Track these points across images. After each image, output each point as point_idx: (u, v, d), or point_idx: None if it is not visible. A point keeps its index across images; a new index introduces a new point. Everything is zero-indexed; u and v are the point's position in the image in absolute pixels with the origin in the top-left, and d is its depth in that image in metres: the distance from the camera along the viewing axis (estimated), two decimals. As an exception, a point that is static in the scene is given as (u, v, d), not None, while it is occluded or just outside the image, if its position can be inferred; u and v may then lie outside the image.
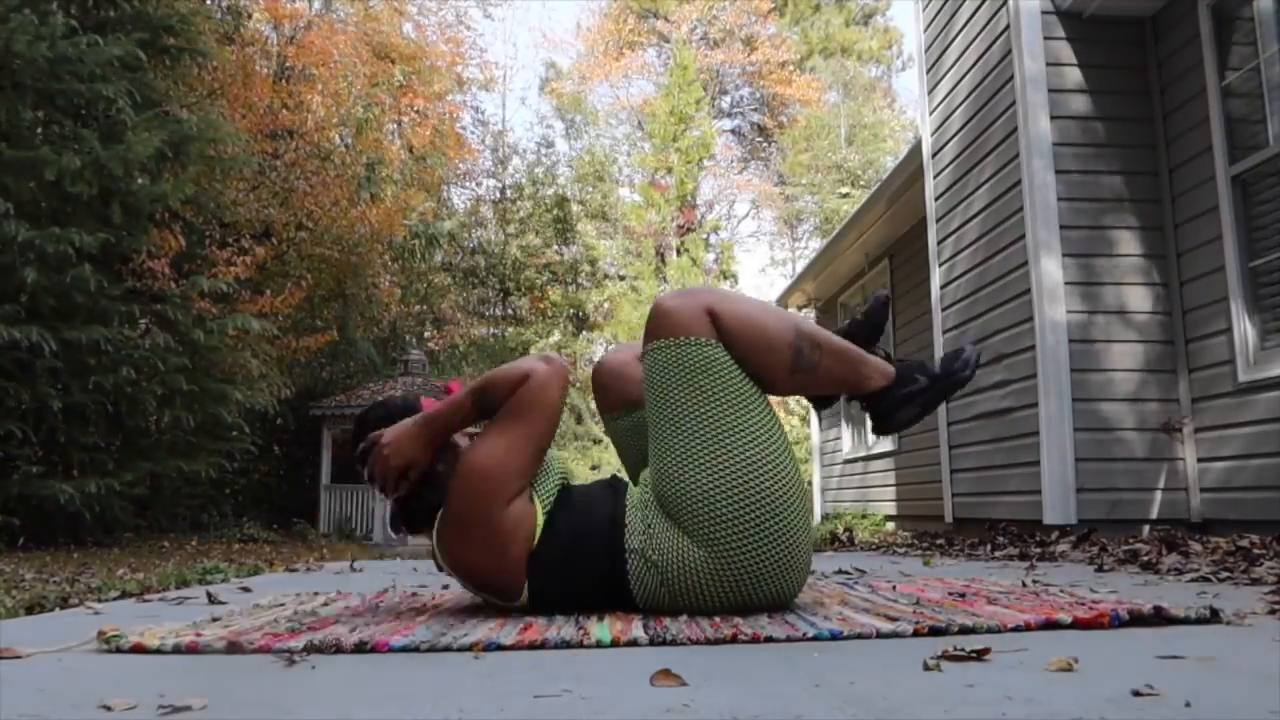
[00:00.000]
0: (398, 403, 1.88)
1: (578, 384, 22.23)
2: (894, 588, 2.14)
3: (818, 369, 1.74)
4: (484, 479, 1.69)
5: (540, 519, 1.73)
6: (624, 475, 2.04)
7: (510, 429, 1.72)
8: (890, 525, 8.52)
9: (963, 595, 1.91)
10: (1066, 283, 4.53)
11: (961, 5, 5.62)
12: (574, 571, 1.71)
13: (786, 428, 20.63)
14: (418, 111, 18.55)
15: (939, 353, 5.87)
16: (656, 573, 1.67)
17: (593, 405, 22.83)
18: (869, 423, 1.89)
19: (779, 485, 1.65)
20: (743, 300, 1.78)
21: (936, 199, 6.06)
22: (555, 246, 23.85)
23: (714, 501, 1.63)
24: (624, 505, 1.75)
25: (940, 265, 5.96)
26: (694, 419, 1.67)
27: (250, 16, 14.86)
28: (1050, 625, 1.48)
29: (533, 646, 1.41)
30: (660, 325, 1.73)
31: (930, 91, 6.17)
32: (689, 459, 1.66)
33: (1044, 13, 4.72)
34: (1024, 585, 2.13)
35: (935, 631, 1.44)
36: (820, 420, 11.67)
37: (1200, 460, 4.30)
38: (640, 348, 1.80)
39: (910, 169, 6.93)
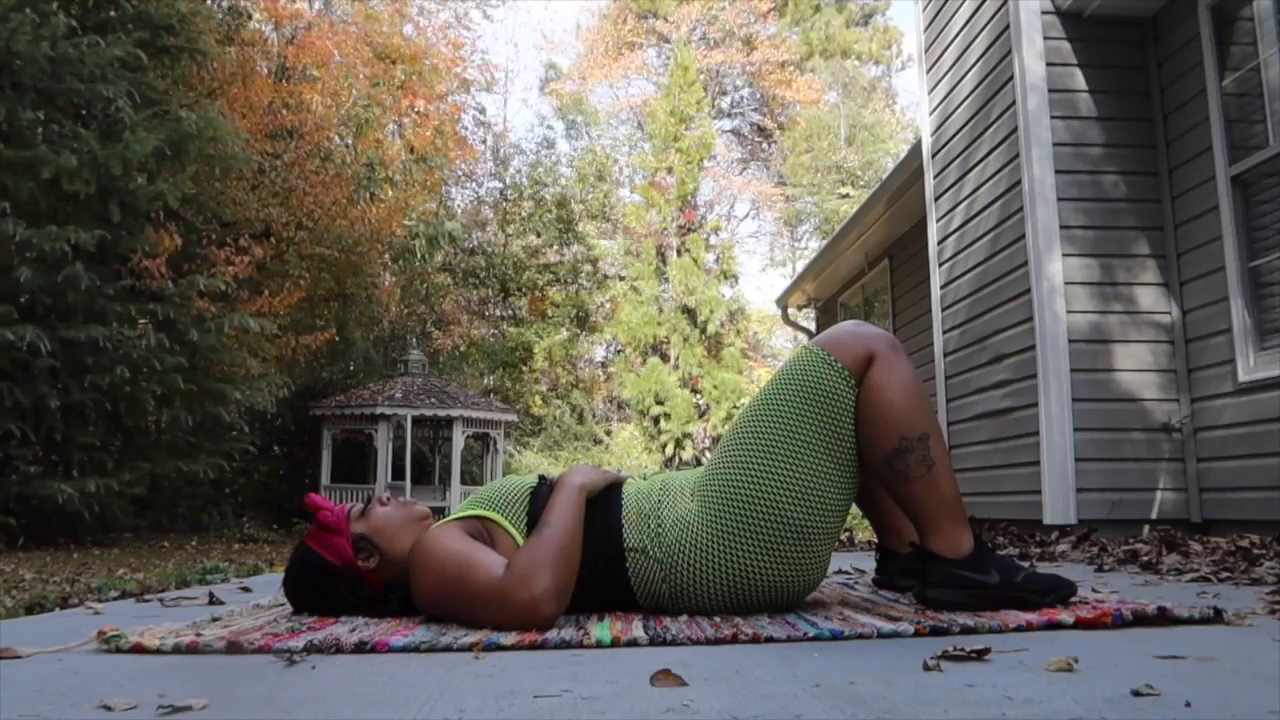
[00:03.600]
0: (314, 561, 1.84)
1: (583, 388, 22.22)
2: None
3: (908, 480, 1.67)
4: (442, 568, 1.67)
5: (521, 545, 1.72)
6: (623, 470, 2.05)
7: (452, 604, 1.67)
8: (890, 525, 8.50)
9: (963, 595, 1.90)
10: (1067, 283, 4.53)
11: (961, 5, 5.62)
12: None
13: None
14: (419, 112, 18.54)
15: (939, 347, 5.87)
16: (660, 569, 1.68)
17: (594, 405, 22.88)
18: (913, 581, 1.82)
19: (816, 522, 1.67)
20: (906, 373, 1.72)
21: (936, 199, 6.07)
22: (556, 247, 23.84)
23: (756, 500, 1.66)
24: (620, 505, 1.76)
25: (940, 265, 5.96)
26: (787, 422, 1.69)
27: (250, 17, 14.84)
28: (1052, 625, 1.48)
29: (533, 646, 1.41)
30: (829, 336, 1.76)
31: (930, 91, 6.17)
32: (763, 455, 1.68)
33: (1044, 13, 4.72)
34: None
35: (936, 631, 1.44)
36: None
37: (1200, 460, 4.30)
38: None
39: (910, 169, 6.93)
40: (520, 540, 1.71)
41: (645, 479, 1.89)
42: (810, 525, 1.66)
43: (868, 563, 3.44)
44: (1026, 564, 3.32)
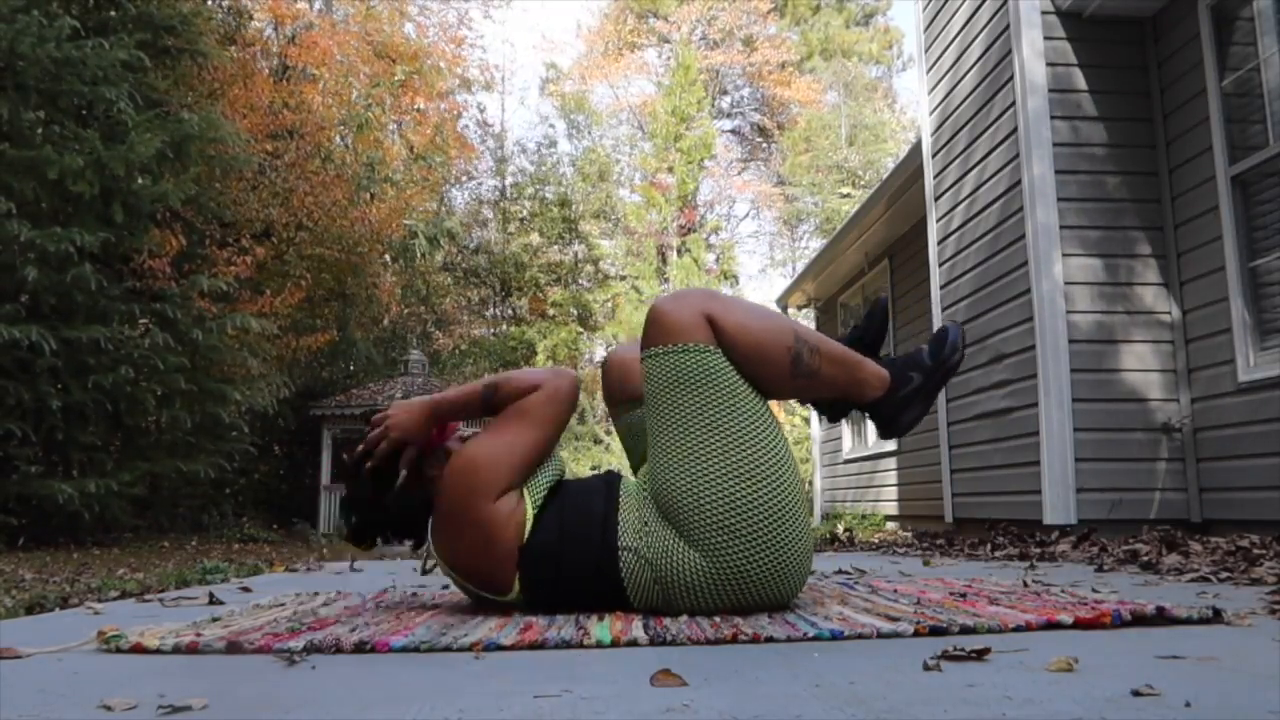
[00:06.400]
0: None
1: (583, 387, 22.19)
2: (895, 590, 2.14)
3: (817, 375, 1.73)
4: (473, 471, 1.72)
5: (530, 514, 1.73)
6: (626, 470, 2.04)
7: (510, 429, 1.76)
8: (890, 525, 8.52)
9: (963, 595, 1.91)
10: (1067, 283, 4.53)
11: (961, 5, 5.62)
12: (564, 565, 1.71)
13: (788, 427, 20.69)
14: (419, 111, 18.55)
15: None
16: (651, 570, 1.67)
17: (594, 405, 22.88)
18: (874, 428, 1.89)
19: (779, 493, 1.65)
20: (740, 304, 1.76)
21: (936, 199, 6.07)
22: (558, 246, 23.85)
23: (712, 508, 1.63)
24: (617, 501, 1.75)
25: (940, 265, 5.96)
26: (693, 426, 1.67)
27: (251, 17, 14.85)
28: (1051, 625, 1.48)
29: (533, 646, 1.41)
30: (658, 331, 1.72)
31: (930, 91, 6.17)
32: (688, 465, 1.65)
33: (1044, 13, 4.72)
34: (1025, 585, 2.13)
35: (935, 631, 1.44)
36: (822, 421, 11.68)
37: (1200, 460, 4.30)
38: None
39: (910, 169, 6.93)
40: (530, 510, 1.74)
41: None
42: (773, 496, 1.64)
43: (868, 562, 3.44)
44: (1021, 557, 3.33)
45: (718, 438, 1.65)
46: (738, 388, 1.68)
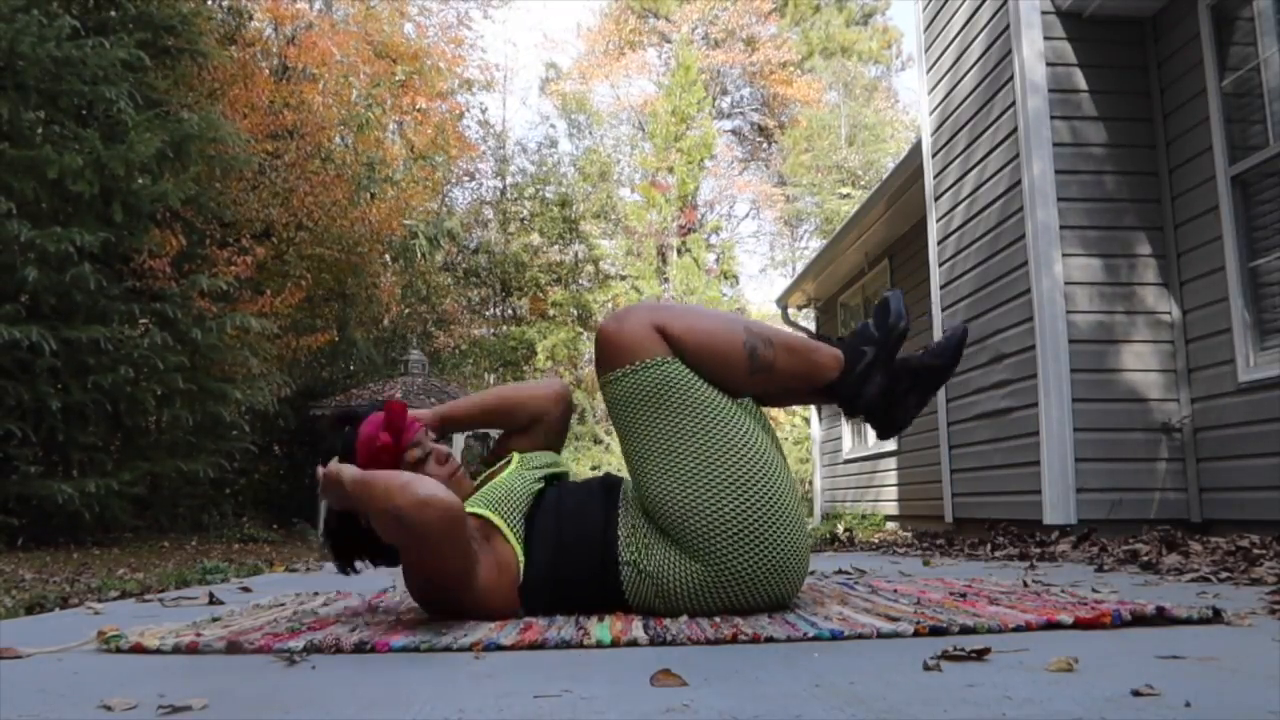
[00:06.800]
0: (363, 409, 1.81)
1: (583, 388, 22.23)
2: (895, 590, 2.14)
3: (774, 366, 1.72)
4: (436, 592, 1.67)
5: (519, 550, 1.69)
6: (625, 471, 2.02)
7: (430, 562, 1.60)
8: (890, 525, 8.52)
9: (963, 595, 1.91)
10: (1067, 283, 4.53)
11: (961, 5, 5.62)
12: (565, 587, 1.71)
13: (788, 427, 20.68)
14: (419, 111, 18.55)
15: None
16: (652, 583, 1.67)
17: (594, 405, 22.89)
18: (843, 413, 1.87)
19: (766, 490, 1.64)
20: (686, 310, 1.76)
21: (937, 199, 6.07)
22: (559, 246, 23.85)
23: (704, 516, 1.62)
24: (617, 513, 1.73)
25: (940, 265, 5.96)
26: (668, 440, 1.65)
27: (251, 17, 14.85)
28: (1051, 625, 1.48)
29: (533, 646, 1.41)
30: (612, 353, 1.68)
31: (930, 91, 6.17)
32: (671, 480, 1.64)
33: (1044, 13, 4.72)
34: (1025, 585, 2.13)
35: (935, 631, 1.44)
36: (820, 419, 11.68)
37: (1200, 460, 4.30)
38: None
39: (910, 169, 6.93)
40: (517, 546, 1.70)
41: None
42: (760, 494, 1.63)
43: (868, 562, 3.44)
44: (1021, 557, 3.33)
45: (694, 446, 1.64)
46: (703, 394, 1.67)
